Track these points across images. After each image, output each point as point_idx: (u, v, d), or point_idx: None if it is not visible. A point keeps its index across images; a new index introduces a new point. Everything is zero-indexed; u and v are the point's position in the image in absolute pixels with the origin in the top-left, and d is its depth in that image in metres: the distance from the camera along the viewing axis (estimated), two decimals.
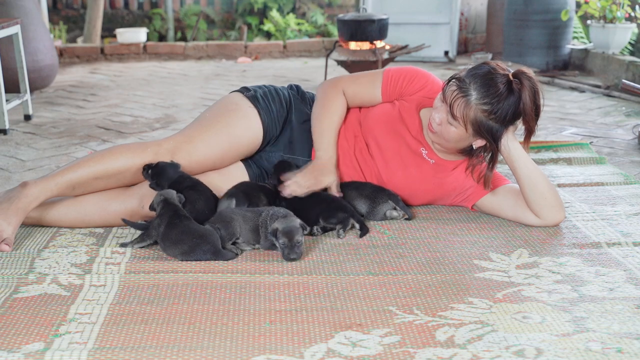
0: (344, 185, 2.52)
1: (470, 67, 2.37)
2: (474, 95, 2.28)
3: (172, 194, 2.28)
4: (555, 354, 1.61)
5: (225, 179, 2.53)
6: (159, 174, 2.36)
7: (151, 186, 2.38)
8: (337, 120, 2.55)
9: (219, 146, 2.50)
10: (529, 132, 2.36)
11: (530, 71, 2.33)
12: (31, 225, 2.45)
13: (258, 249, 2.26)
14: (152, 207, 2.28)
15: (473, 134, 2.34)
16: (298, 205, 2.39)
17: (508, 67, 2.35)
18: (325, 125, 2.53)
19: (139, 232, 2.31)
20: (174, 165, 2.39)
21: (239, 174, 2.56)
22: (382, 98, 2.58)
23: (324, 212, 2.37)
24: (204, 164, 2.50)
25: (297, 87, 2.74)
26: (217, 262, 2.14)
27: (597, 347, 1.65)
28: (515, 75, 2.31)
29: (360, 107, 2.64)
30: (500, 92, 2.27)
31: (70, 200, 2.45)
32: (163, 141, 2.48)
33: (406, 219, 2.50)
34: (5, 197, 2.33)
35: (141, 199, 2.40)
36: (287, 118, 2.61)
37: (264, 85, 2.69)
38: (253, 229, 2.25)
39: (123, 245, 2.26)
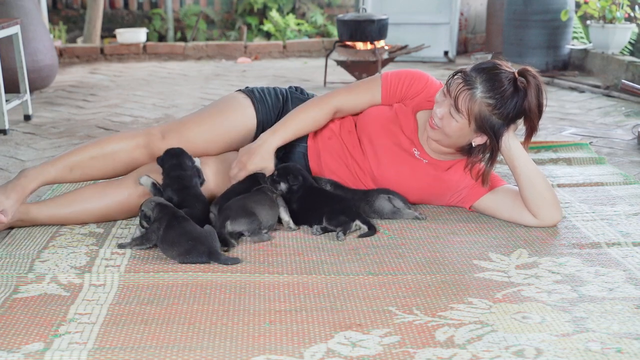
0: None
1: (475, 63, 2.38)
2: (479, 88, 2.29)
3: (162, 199, 2.30)
4: (555, 354, 1.62)
5: (223, 173, 2.55)
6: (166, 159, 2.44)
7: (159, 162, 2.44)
8: (308, 122, 2.54)
9: (211, 127, 2.57)
10: (532, 130, 2.36)
11: (534, 70, 2.34)
12: (31, 225, 2.45)
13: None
14: (144, 217, 2.24)
15: (475, 129, 2.34)
16: (307, 204, 2.41)
17: (511, 67, 2.36)
18: (294, 117, 2.53)
19: (138, 234, 2.30)
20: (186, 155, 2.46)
21: None
22: (383, 103, 2.59)
23: (327, 213, 2.38)
24: (195, 143, 2.54)
25: (297, 87, 2.77)
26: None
27: (596, 347, 1.65)
28: (520, 73, 2.32)
29: None
30: (505, 88, 2.28)
31: (69, 192, 2.51)
32: (156, 126, 2.65)
33: (408, 210, 2.50)
34: (4, 183, 2.45)
35: (136, 182, 2.44)
36: (283, 109, 2.65)
37: (264, 87, 2.73)
38: (270, 208, 2.34)
39: (121, 246, 2.26)
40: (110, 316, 1.82)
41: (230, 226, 2.25)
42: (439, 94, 2.39)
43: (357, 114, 2.63)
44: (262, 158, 2.46)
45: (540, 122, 2.38)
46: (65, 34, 7.89)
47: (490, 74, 2.30)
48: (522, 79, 2.31)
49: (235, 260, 2.14)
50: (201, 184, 2.46)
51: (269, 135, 2.50)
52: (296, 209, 2.42)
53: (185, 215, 2.22)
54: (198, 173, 2.46)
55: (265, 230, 2.31)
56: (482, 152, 2.40)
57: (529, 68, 2.34)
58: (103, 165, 2.49)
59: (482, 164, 2.42)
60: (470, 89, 2.29)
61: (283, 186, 2.42)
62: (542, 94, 2.32)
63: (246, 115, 2.61)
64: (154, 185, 2.40)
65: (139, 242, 2.24)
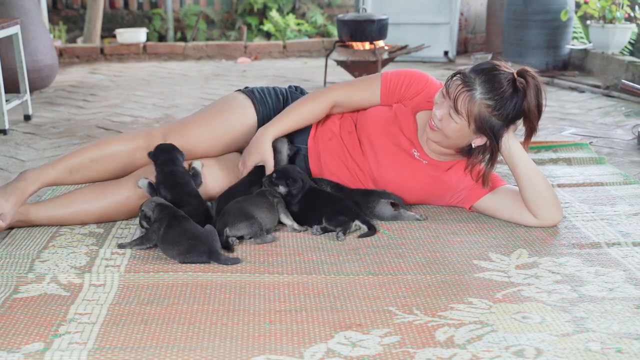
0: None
1: (475, 64, 2.38)
2: (478, 90, 2.29)
3: (162, 199, 2.30)
4: (555, 354, 1.62)
5: (226, 172, 2.55)
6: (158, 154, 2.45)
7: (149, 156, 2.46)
8: (305, 115, 2.56)
9: (211, 128, 2.57)
10: (531, 130, 2.36)
11: (533, 70, 2.34)
12: (31, 225, 2.45)
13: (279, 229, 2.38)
14: (144, 217, 2.24)
15: (475, 130, 2.34)
16: (307, 206, 2.42)
17: (510, 68, 2.36)
18: (292, 110, 2.55)
19: (138, 234, 2.30)
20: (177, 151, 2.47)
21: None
22: (381, 102, 2.59)
23: (327, 214, 2.38)
24: (196, 144, 2.55)
25: (297, 87, 2.78)
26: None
27: (596, 347, 1.65)
28: (519, 73, 2.32)
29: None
30: (505, 89, 2.28)
31: (69, 193, 2.51)
32: (157, 127, 2.64)
33: (409, 213, 2.50)
34: (4, 185, 2.43)
35: (135, 183, 2.45)
36: (283, 109, 2.65)
37: (264, 87, 2.73)
38: (269, 211, 2.33)
39: (121, 246, 2.26)
40: (110, 316, 1.82)
41: (230, 232, 2.24)
42: (438, 95, 2.39)
43: (356, 112, 2.63)
44: (258, 151, 2.48)
45: (540, 122, 2.39)
46: (65, 34, 7.89)
47: (489, 75, 2.30)
48: (521, 79, 2.31)
49: (235, 260, 2.14)
50: (198, 185, 2.46)
51: (265, 128, 2.52)
52: (296, 210, 2.43)
53: (185, 215, 2.22)
54: (195, 175, 2.46)
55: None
56: (482, 153, 2.40)
57: (528, 68, 2.34)
58: (103, 167, 2.49)
59: (482, 165, 2.42)
60: (470, 90, 2.29)
61: (282, 189, 2.41)
62: (541, 94, 2.32)
63: (246, 116, 2.62)
64: (150, 185, 2.40)
65: (139, 242, 2.24)
